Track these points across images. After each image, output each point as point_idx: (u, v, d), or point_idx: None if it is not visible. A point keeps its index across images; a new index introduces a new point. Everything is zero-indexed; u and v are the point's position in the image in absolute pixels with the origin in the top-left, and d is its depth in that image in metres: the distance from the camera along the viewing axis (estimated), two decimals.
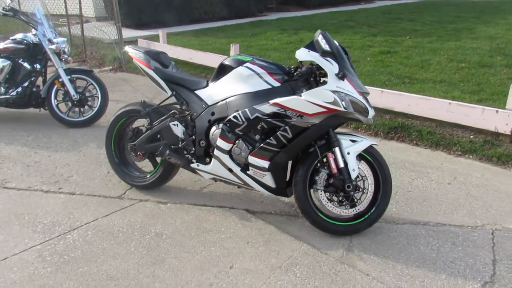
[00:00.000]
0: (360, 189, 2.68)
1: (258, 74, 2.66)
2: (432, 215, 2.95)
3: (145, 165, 3.41)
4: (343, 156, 2.60)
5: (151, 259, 2.49)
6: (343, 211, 2.68)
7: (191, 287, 2.27)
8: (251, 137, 2.67)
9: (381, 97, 4.58)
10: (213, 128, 2.79)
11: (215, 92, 2.82)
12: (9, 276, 2.36)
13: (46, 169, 3.68)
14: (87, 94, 4.78)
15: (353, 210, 2.68)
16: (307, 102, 2.45)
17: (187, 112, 2.97)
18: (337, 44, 2.49)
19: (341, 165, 2.59)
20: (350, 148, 2.59)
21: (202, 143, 2.87)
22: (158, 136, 3.06)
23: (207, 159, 2.88)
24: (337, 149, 2.59)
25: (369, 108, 2.55)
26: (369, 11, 13.69)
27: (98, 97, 4.75)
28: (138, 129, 3.18)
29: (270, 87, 2.64)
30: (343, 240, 2.68)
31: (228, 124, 2.69)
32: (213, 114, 2.80)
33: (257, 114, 2.57)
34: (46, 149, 4.09)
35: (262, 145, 2.61)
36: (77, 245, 2.63)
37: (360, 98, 2.51)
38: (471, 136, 4.12)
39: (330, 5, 15.54)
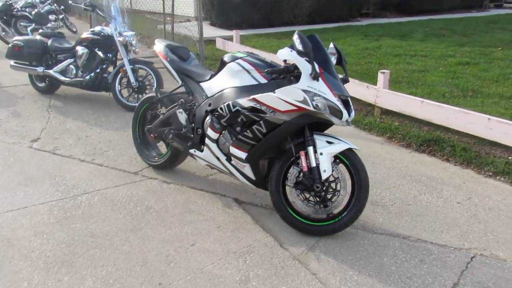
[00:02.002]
0: (332, 191, 2.68)
1: (247, 70, 2.81)
2: (418, 230, 2.80)
3: (164, 147, 3.77)
4: (316, 156, 2.63)
5: (131, 226, 2.82)
6: (315, 211, 2.71)
7: (150, 255, 2.54)
8: (234, 128, 2.84)
9: (421, 108, 4.34)
10: (207, 118, 3.02)
11: (213, 85, 3.05)
12: (20, 220, 2.88)
13: (91, 143, 4.27)
14: (146, 82, 5.35)
15: (324, 211, 2.69)
16: (279, 99, 2.54)
17: (193, 102, 3.24)
18: (311, 46, 2.52)
19: (313, 164, 2.62)
20: (323, 149, 2.61)
21: (199, 131, 3.12)
22: (169, 121, 3.38)
23: (202, 146, 3.12)
24: (310, 148, 2.63)
25: (344, 111, 2.54)
26: (473, 20, 12.58)
27: (154, 86, 5.29)
28: (156, 113, 3.55)
29: (257, 83, 2.78)
30: (311, 239, 2.71)
31: (216, 115, 2.90)
32: (209, 105, 3.03)
33: (237, 107, 2.73)
34: (99, 127, 4.72)
35: (240, 136, 2.77)
36: (81, 205, 3.08)
37: (334, 99, 2.52)
38: (510, 157, 3.71)
39: (434, 12, 14.59)
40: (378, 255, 2.55)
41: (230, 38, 9.30)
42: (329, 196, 2.69)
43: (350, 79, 5.32)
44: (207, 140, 3.00)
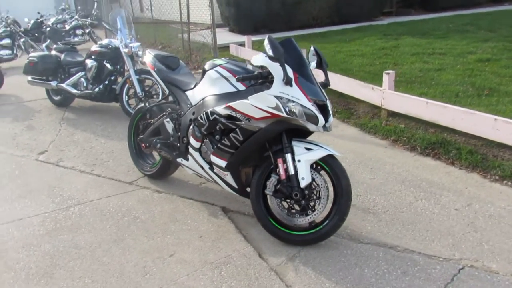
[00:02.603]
0: (313, 199, 2.59)
1: (225, 77, 2.78)
2: (407, 239, 2.66)
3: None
4: (294, 164, 2.55)
5: (115, 237, 2.84)
6: (296, 220, 2.63)
7: (128, 266, 2.54)
8: (214, 137, 2.80)
9: (426, 109, 4.15)
10: (191, 126, 3.00)
11: (197, 93, 3.03)
12: (13, 232, 2.96)
13: (94, 153, 4.36)
14: (153, 92, 5.43)
15: (305, 220, 2.61)
16: (252, 106, 2.49)
17: (179, 111, 3.24)
18: (282, 50, 2.44)
19: (291, 172, 2.55)
20: (301, 156, 2.53)
21: (184, 140, 3.11)
22: (159, 130, 3.40)
23: (188, 155, 3.11)
24: (288, 156, 2.56)
25: (320, 116, 2.45)
26: (502, 14, 11.97)
27: (160, 95, 5.35)
28: (148, 123, 3.58)
29: (235, 90, 2.73)
30: (292, 249, 2.63)
31: (196, 124, 2.88)
32: (193, 113, 3.01)
33: (215, 115, 2.70)
34: (105, 137, 4.82)
35: (219, 145, 2.73)
36: (72, 216, 3.14)
37: (309, 105, 2.44)
38: None
39: (461, 8, 14.02)
40: (360, 266, 2.43)
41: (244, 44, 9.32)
42: (309, 205, 2.60)
43: (356, 81, 5.22)
44: (190, 149, 2.99)
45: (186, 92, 3.16)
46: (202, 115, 2.80)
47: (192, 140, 2.94)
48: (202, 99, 2.91)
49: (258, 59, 2.56)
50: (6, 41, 10.12)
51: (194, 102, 3.04)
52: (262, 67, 2.61)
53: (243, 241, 2.72)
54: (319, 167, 2.63)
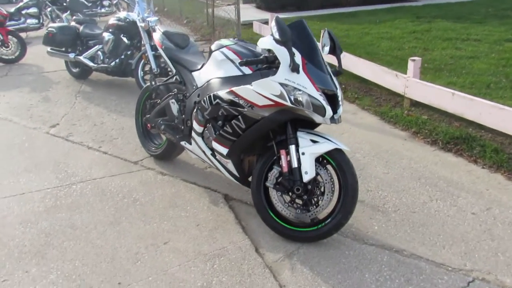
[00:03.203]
0: (316, 195, 2.43)
1: (231, 60, 2.61)
2: (416, 243, 2.48)
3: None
4: (298, 156, 2.39)
5: (112, 219, 2.78)
6: (297, 215, 2.48)
7: (120, 251, 2.47)
8: (217, 122, 2.66)
9: (452, 101, 3.87)
10: (195, 109, 2.87)
11: (203, 75, 2.88)
12: (13, 207, 2.94)
13: (105, 129, 4.30)
14: (169, 69, 5.29)
15: (307, 215, 2.46)
16: (256, 93, 2.33)
17: (185, 92, 3.10)
18: (290, 33, 2.24)
19: (294, 165, 2.39)
20: (306, 149, 2.36)
21: (189, 123, 2.98)
22: (164, 111, 3.28)
23: (191, 139, 2.98)
24: (292, 147, 2.39)
25: (327, 107, 2.27)
26: None
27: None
28: (154, 103, 3.46)
29: (241, 73, 2.57)
30: (292, 245, 2.50)
31: (199, 107, 2.74)
32: (198, 95, 2.87)
33: (218, 100, 2.55)
34: (118, 113, 4.76)
35: (220, 131, 2.59)
36: (73, 194, 3.09)
37: (316, 94, 2.25)
38: None
39: None
40: (360, 269, 2.28)
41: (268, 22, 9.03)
42: (312, 200, 2.45)
43: (380, 66, 4.93)
44: (193, 133, 2.86)
45: (193, 73, 3.01)
46: (205, 98, 2.65)
47: (195, 124, 2.81)
48: (207, 81, 2.76)
49: (265, 42, 2.37)
50: (33, 10, 10.14)
51: (199, 84, 2.89)
52: (269, 50, 2.43)
53: (241, 233, 2.61)
54: (325, 161, 2.46)
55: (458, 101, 3.81)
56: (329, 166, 2.47)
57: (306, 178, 2.36)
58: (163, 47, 3.22)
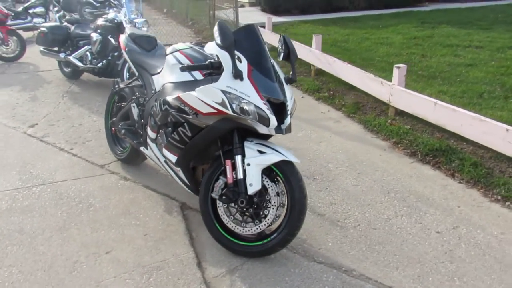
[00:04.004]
0: (262, 209, 2.31)
1: (182, 64, 2.51)
2: (368, 263, 2.33)
3: None
4: (244, 167, 2.27)
5: (61, 225, 2.70)
6: (242, 229, 2.37)
7: (60, 259, 2.39)
8: (167, 128, 2.57)
9: (434, 111, 3.70)
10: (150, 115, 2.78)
11: (160, 79, 2.79)
12: None
13: (81, 131, 4.26)
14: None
15: (252, 230, 2.34)
16: (199, 100, 2.22)
17: (145, 96, 3.02)
18: (232, 39, 2.13)
19: (240, 176, 2.27)
20: (252, 159, 2.25)
21: (146, 128, 2.89)
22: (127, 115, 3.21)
23: (148, 145, 2.90)
24: (238, 158, 2.28)
25: (271, 117, 2.15)
26: None
27: None
28: (120, 106, 3.39)
29: (192, 79, 2.47)
30: (237, 260, 2.38)
31: (152, 113, 2.65)
32: (156, 100, 2.79)
33: (166, 106, 2.46)
34: (99, 115, 4.71)
35: (169, 138, 2.50)
36: (31, 197, 3.04)
37: (260, 103, 2.14)
38: None
39: None
40: None
41: (276, 24, 8.95)
42: (259, 214, 2.32)
43: (366, 73, 4.76)
44: (148, 139, 2.78)
45: (153, 76, 2.93)
46: (156, 103, 2.57)
47: (149, 130, 2.73)
48: (162, 85, 2.67)
49: (210, 47, 2.27)
50: (40, 9, 10.24)
51: (158, 88, 2.81)
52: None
53: (187, 245, 2.50)
54: (274, 173, 2.34)
55: (440, 111, 3.63)
56: (278, 179, 2.35)
57: (250, 190, 2.24)
58: (126, 49, 3.15)
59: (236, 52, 2.21)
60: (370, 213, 2.80)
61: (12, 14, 9.90)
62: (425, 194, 3.02)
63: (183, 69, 2.25)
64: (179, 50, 2.58)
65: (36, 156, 3.70)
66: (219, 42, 2.13)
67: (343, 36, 8.09)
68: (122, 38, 3.25)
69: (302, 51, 6.04)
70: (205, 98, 2.20)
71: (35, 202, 2.98)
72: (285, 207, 2.32)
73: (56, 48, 5.99)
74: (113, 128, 3.36)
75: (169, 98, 2.44)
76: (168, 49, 2.69)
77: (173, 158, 2.53)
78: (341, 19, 10.04)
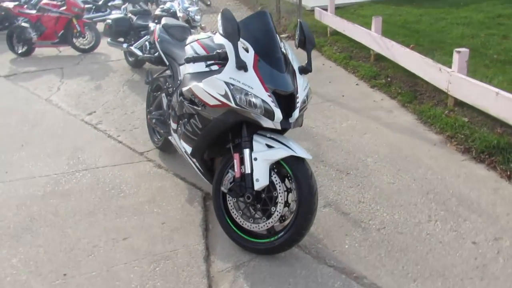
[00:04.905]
0: (269, 205, 2.21)
1: (197, 54, 2.47)
2: (383, 272, 2.13)
3: None
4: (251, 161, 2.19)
5: (92, 209, 2.85)
6: (250, 224, 2.29)
7: (82, 242, 2.52)
8: (183, 120, 2.56)
9: (496, 102, 3.25)
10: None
11: (183, 69, 2.79)
12: (19, 189, 3.17)
13: (131, 118, 4.46)
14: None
15: (259, 226, 2.26)
16: (205, 91, 2.17)
17: (173, 86, 3.04)
18: (236, 27, 2.02)
19: (247, 170, 2.19)
20: (259, 154, 2.15)
21: None
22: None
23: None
24: (246, 151, 2.20)
25: (276, 110, 2.03)
26: None
27: None
28: (155, 96, 3.46)
29: (208, 70, 2.42)
30: (245, 255, 2.33)
31: (173, 103, 2.66)
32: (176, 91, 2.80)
33: (181, 97, 2.45)
34: None
35: (184, 129, 2.49)
36: (72, 181, 3.25)
37: (264, 95, 2.03)
38: None
39: None
40: None
41: (343, 6, 8.60)
42: (267, 210, 2.23)
43: (424, 58, 4.32)
44: (171, 130, 2.80)
45: (180, 67, 2.93)
46: (176, 95, 2.57)
47: (171, 120, 2.75)
48: (183, 76, 2.67)
49: (218, 37, 2.19)
50: (118, 1, 10.90)
51: (182, 78, 2.81)
52: None
53: (199, 236, 2.50)
54: (285, 170, 2.22)
55: (502, 102, 3.18)
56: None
57: (257, 185, 2.15)
58: (158, 39, 3.19)
59: (244, 41, 2.12)
60: (400, 215, 2.56)
61: (93, 7, 10.68)
62: (470, 198, 2.68)
63: (188, 60, 2.21)
64: (197, 40, 2.55)
65: (87, 143, 3.95)
66: (221, 31, 2.04)
67: (415, 16, 7.48)
68: (156, 28, 3.30)
69: (361, 34, 5.69)
70: (210, 90, 2.14)
71: (74, 186, 3.18)
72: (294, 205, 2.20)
73: (121, 39, 6.32)
74: (149, 117, 3.45)
75: (184, 89, 2.42)
76: (189, 39, 2.67)
77: (188, 149, 2.52)
78: None
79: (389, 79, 4.88)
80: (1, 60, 7.45)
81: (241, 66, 2.04)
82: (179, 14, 5.18)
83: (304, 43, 2.26)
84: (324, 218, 2.58)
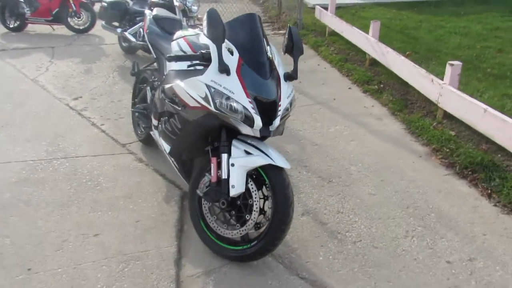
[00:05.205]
0: (244, 212, 2.17)
1: (184, 52, 2.41)
2: (355, 287, 2.10)
3: None
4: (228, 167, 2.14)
5: (66, 201, 2.79)
6: (223, 230, 2.25)
7: (51, 236, 2.45)
8: (165, 117, 2.50)
9: (483, 119, 3.22)
10: None
11: (170, 65, 2.71)
12: None
13: (118, 107, 4.37)
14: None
15: (232, 233, 2.21)
16: (185, 92, 2.11)
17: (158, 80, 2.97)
18: (221, 29, 1.96)
19: (224, 176, 2.14)
20: (236, 160, 2.10)
21: None
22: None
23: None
24: (224, 156, 2.14)
25: (256, 117, 1.98)
26: None
27: None
28: (141, 88, 3.39)
29: (193, 69, 2.36)
30: (218, 261, 2.28)
31: (155, 99, 2.60)
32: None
33: (163, 95, 2.38)
34: None
35: (163, 128, 2.43)
36: (48, 170, 3.17)
37: (245, 101, 1.97)
38: None
39: None
40: None
41: (345, 6, 8.51)
42: (240, 218, 2.18)
43: (417, 67, 4.28)
44: (152, 125, 2.74)
45: (167, 61, 2.85)
46: (158, 91, 2.50)
47: (152, 116, 2.68)
48: (168, 72, 2.60)
49: (203, 37, 2.12)
50: None
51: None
52: None
53: (172, 237, 2.45)
54: (262, 178, 2.17)
55: (489, 119, 3.16)
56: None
57: (232, 192, 2.10)
58: (147, 31, 3.11)
59: (229, 43, 2.06)
60: (377, 229, 2.53)
61: None
62: (449, 214, 2.66)
63: (170, 58, 2.14)
64: (183, 37, 2.47)
65: (69, 129, 3.86)
66: (205, 32, 1.97)
67: (415, 22, 7.43)
68: (147, 19, 3.21)
69: (359, 37, 5.63)
70: (191, 91, 2.08)
71: (50, 175, 3.11)
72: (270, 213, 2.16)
73: (115, 23, 6.19)
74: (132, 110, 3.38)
75: (166, 87, 2.36)
76: (176, 34, 2.60)
77: (167, 148, 2.47)
78: (421, 3, 9.19)
79: (382, 85, 4.84)
80: None
81: (223, 69, 1.98)
82: (176, 3, 5.07)
83: (292, 49, 2.20)
84: (301, 227, 2.55)
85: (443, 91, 3.71)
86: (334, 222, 2.60)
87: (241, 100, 1.97)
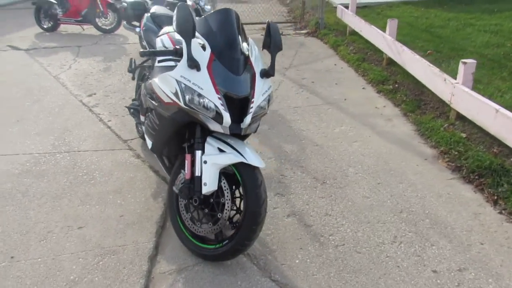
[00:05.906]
0: (217, 211, 2.12)
1: (166, 47, 2.40)
2: None
3: None
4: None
5: (60, 193, 2.85)
6: (197, 227, 2.22)
7: (39, 226, 2.51)
8: (148, 113, 2.50)
9: (495, 120, 3.01)
10: None
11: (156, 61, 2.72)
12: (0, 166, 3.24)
13: (126, 104, 4.43)
14: None
15: (205, 231, 2.18)
16: (159, 88, 2.09)
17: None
18: (191, 24, 1.92)
19: (197, 173, 2.10)
20: (209, 157, 2.06)
21: None
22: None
23: None
24: (198, 153, 2.11)
25: (225, 114, 1.93)
26: None
27: None
28: (140, 85, 3.42)
29: (174, 64, 2.34)
30: (192, 259, 2.25)
31: (141, 96, 2.60)
32: None
33: (145, 91, 2.38)
34: None
35: (146, 123, 2.43)
36: (50, 163, 3.26)
37: (214, 97, 1.93)
38: None
39: None
40: None
41: (372, 5, 8.30)
42: (212, 216, 2.14)
43: (430, 66, 4.05)
44: (142, 122, 2.75)
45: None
46: (142, 87, 2.51)
47: (140, 112, 2.69)
48: (154, 68, 2.59)
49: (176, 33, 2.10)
50: None
51: None
52: None
53: (152, 234, 2.44)
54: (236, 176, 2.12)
55: (501, 121, 2.94)
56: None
57: (204, 190, 2.06)
58: (144, 28, 3.13)
59: (201, 38, 2.02)
60: (363, 233, 2.41)
61: None
62: (445, 221, 2.50)
63: (142, 54, 2.12)
64: (167, 33, 2.46)
65: (77, 124, 3.97)
66: (174, 27, 1.95)
67: (443, 20, 7.11)
68: (144, 17, 3.24)
69: (376, 36, 5.45)
70: (164, 87, 2.06)
71: (51, 168, 3.19)
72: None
73: (135, 23, 6.31)
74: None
75: (147, 83, 2.36)
76: (161, 31, 2.59)
77: (149, 143, 2.46)
78: (451, 0, 8.80)
79: (396, 85, 4.65)
80: (27, 34, 7.65)
81: (193, 64, 1.94)
82: (189, 2, 5.09)
83: (270, 45, 2.13)
84: (284, 228, 2.47)
85: (456, 90, 3.51)
86: (319, 224, 2.50)
87: (210, 96, 1.93)
